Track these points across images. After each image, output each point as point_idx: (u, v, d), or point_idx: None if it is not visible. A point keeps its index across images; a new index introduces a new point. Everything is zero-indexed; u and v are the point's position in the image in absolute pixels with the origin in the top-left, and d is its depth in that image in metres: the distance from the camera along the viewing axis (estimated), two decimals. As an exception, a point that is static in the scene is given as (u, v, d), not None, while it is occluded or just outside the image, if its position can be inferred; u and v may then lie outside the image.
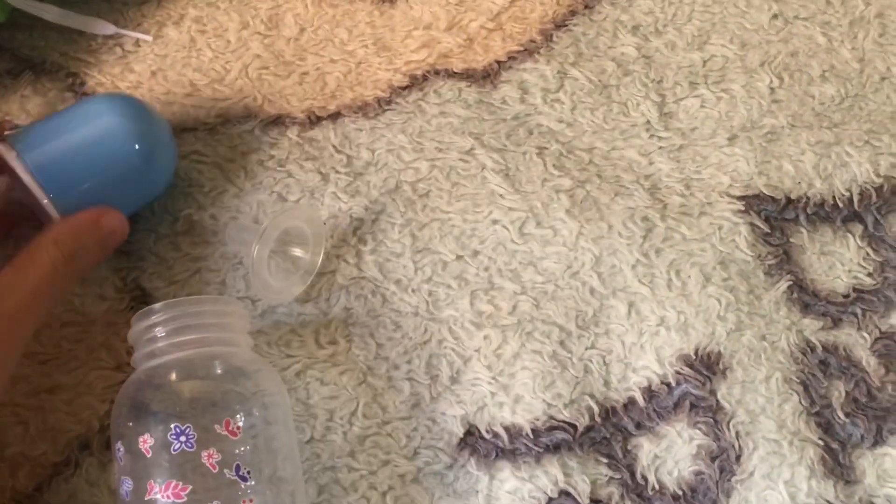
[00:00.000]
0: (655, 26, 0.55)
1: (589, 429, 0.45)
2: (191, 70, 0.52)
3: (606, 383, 0.46)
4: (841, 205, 0.50)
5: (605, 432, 0.45)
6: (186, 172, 0.49)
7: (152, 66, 0.52)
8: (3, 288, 0.38)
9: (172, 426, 0.37)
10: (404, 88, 0.53)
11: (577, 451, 0.44)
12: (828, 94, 0.54)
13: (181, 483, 0.36)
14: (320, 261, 0.47)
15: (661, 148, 0.51)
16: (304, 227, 0.46)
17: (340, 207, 0.49)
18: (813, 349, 0.47)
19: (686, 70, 0.54)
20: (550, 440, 0.44)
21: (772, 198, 0.50)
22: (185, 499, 0.36)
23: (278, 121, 0.51)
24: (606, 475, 0.44)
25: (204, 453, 0.37)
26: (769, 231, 0.49)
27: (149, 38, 0.53)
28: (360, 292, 0.47)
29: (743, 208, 0.49)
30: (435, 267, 0.48)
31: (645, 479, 0.44)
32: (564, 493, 0.43)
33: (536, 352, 0.46)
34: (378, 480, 0.44)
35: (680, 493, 0.44)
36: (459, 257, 0.48)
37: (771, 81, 0.54)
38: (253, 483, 0.37)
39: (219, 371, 0.39)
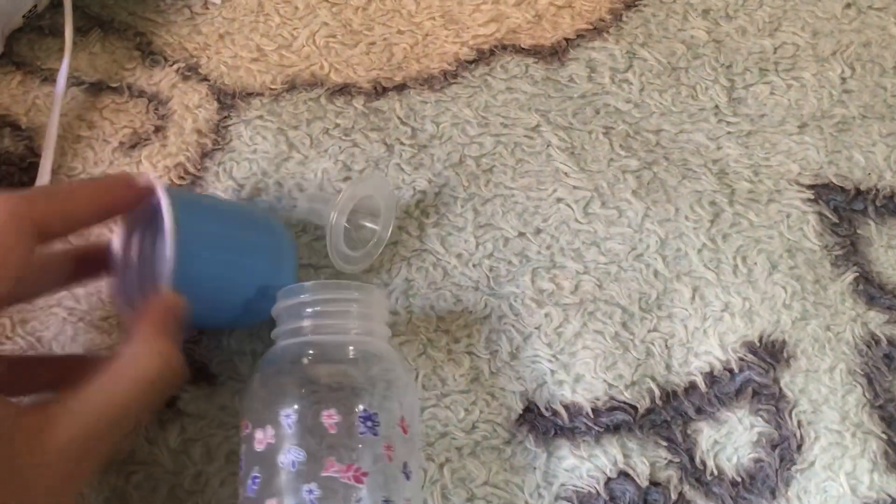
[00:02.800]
0: (726, 11, 0.55)
1: (649, 411, 0.44)
2: (258, 35, 0.52)
3: (668, 367, 0.45)
4: (911, 198, 0.49)
5: (666, 415, 0.44)
6: (251, 138, 0.49)
7: (220, 30, 0.52)
8: (91, 398, 0.32)
9: (360, 407, 0.36)
10: (471, 62, 0.52)
11: (637, 433, 0.44)
12: (900, 86, 0.53)
13: (363, 468, 0.35)
14: (390, 232, 0.47)
15: (729, 133, 0.51)
16: (376, 198, 0.46)
17: (404, 179, 0.49)
18: (878, 342, 0.46)
19: (756, 56, 0.53)
20: (610, 420, 0.44)
21: (841, 188, 0.49)
22: (364, 484, 0.35)
23: (344, 90, 0.51)
24: (665, 458, 0.44)
25: (384, 444, 0.36)
26: (837, 221, 0.49)
27: (218, 1, 0.53)
28: (421, 264, 0.47)
29: (812, 197, 0.49)
30: (496, 243, 0.48)
31: (704, 463, 0.44)
32: (623, 474, 0.43)
33: (598, 332, 0.46)
34: (435, 452, 0.44)
35: (738, 479, 0.44)
36: (521, 234, 0.48)
37: (842, 71, 0.53)
38: (410, 483, 0.36)
39: (391, 365, 0.39)
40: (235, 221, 0.41)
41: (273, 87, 0.51)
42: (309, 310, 0.38)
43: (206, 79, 0.51)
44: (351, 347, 0.38)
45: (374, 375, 0.38)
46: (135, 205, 0.37)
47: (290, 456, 0.35)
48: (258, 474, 0.36)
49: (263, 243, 0.41)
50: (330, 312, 0.38)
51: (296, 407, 0.36)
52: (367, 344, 0.39)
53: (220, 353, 0.45)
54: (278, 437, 0.36)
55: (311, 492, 0.34)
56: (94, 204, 0.36)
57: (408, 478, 0.36)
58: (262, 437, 0.36)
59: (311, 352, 0.38)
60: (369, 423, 0.36)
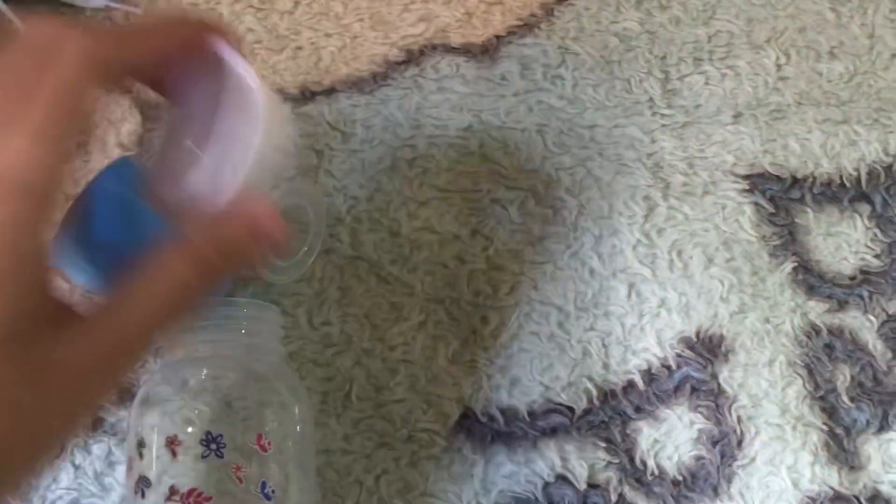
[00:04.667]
0: (660, 1, 0.54)
1: (587, 412, 0.44)
2: (182, 44, 0.51)
3: (605, 366, 0.45)
4: (848, 184, 0.49)
5: (604, 416, 0.44)
6: (177, 149, 0.48)
7: (143, 40, 0.51)
8: (110, 319, 0.27)
9: (204, 432, 0.35)
10: (401, 63, 0.51)
11: (575, 435, 0.43)
12: (836, 71, 0.52)
13: (205, 492, 0.34)
14: (321, 240, 0.46)
15: (664, 126, 0.50)
16: (306, 206, 0.45)
17: (335, 185, 0.48)
18: (818, 332, 0.46)
19: (691, 46, 0.52)
20: (547, 424, 0.43)
21: (777, 177, 0.49)
22: None
23: (272, 96, 0.50)
24: (605, 460, 0.43)
25: (233, 465, 0.35)
26: (774, 211, 0.48)
27: (139, 10, 0.52)
28: (355, 272, 0.46)
29: (748, 188, 0.48)
30: (432, 247, 0.47)
31: (644, 463, 0.43)
32: (561, 478, 0.42)
33: (534, 333, 0.45)
34: (372, 464, 0.43)
35: (680, 478, 0.43)
36: (457, 237, 0.47)
37: (778, 58, 0.52)
38: (274, 503, 0.36)
39: (253, 380, 0.38)
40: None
41: (198, 96, 0.50)
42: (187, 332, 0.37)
43: (128, 91, 0.50)
44: (205, 370, 0.37)
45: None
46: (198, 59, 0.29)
47: (140, 484, 0.35)
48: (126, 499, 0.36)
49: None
50: (208, 332, 0.37)
51: (143, 434, 0.36)
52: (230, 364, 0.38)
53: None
54: (133, 465, 0.36)
55: None
56: (162, 54, 0.28)
57: (268, 498, 0.35)
58: (130, 465, 0.36)
59: (165, 376, 0.37)
60: (213, 446, 0.35)
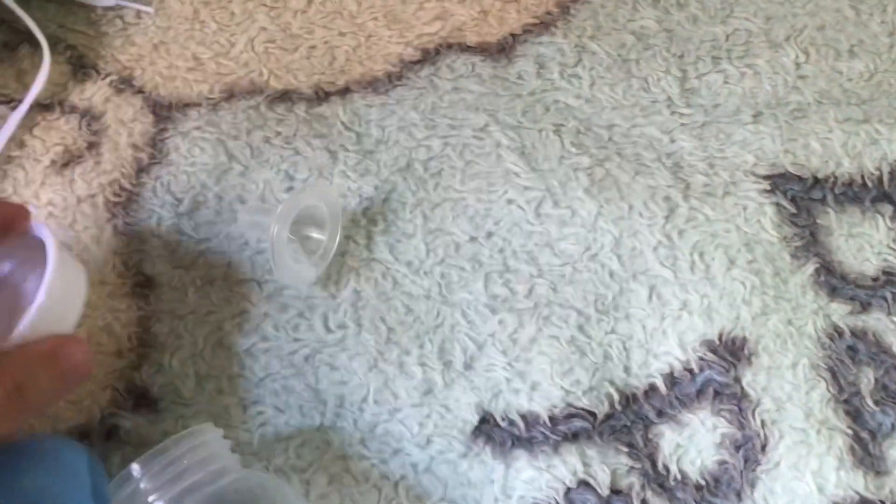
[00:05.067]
0: (677, -1, 0.53)
1: (609, 417, 0.43)
2: (194, 43, 0.51)
3: (627, 369, 0.44)
4: (870, 184, 0.48)
5: (626, 420, 0.43)
6: (189, 150, 0.48)
7: (154, 39, 0.51)
8: None
9: None
10: (416, 63, 0.51)
11: (597, 440, 0.43)
12: (856, 69, 0.51)
13: None
14: (337, 242, 0.45)
15: (683, 125, 0.49)
16: (321, 207, 0.44)
17: (350, 187, 0.47)
18: (841, 334, 0.45)
19: (708, 44, 0.52)
20: (569, 428, 0.43)
21: (798, 177, 0.48)
22: None
23: (285, 96, 0.49)
24: (627, 465, 0.42)
25: None
26: (796, 212, 0.47)
27: (150, 9, 0.51)
28: (370, 275, 0.45)
29: (769, 188, 0.48)
30: (448, 248, 0.46)
31: (667, 468, 0.43)
32: (583, 484, 0.42)
33: (554, 337, 0.44)
34: (390, 469, 0.42)
35: (703, 483, 0.42)
36: (473, 238, 0.46)
37: (797, 56, 0.51)
38: None
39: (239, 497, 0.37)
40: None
41: (211, 96, 0.49)
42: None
43: (140, 91, 0.49)
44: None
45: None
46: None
47: None
48: None
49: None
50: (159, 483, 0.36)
51: None
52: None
53: (162, 376, 0.43)
54: None
55: None
56: None
57: None
58: None
59: None
60: None
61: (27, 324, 0.34)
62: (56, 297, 0.34)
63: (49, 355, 0.34)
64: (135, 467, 0.36)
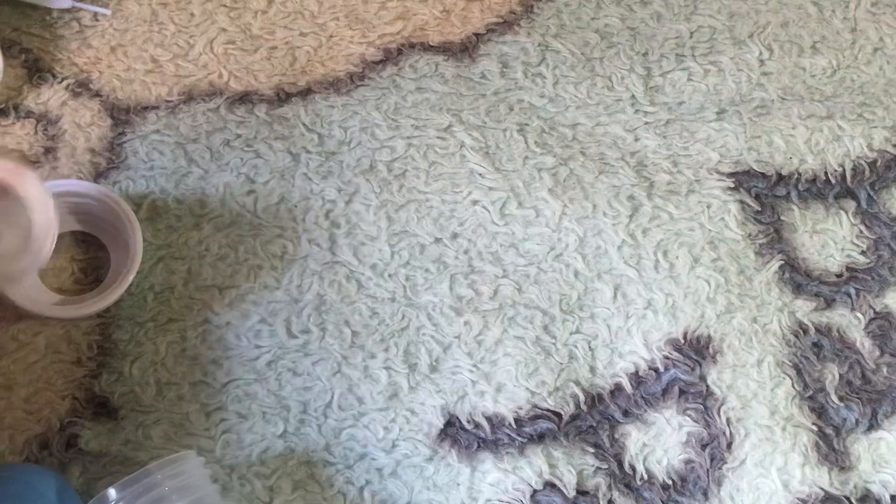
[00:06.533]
0: (640, -4, 0.53)
1: (574, 417, 0.43)
2: (152, 45, 0.50)
3: (592, 369, 0.44)
4: (833, 181, 0.48)
5: (592, 420, 0.43)
6: (148, 154, 0.47)
7: (111, 42, 0.50)
8: None
9: None
10: (378, 63, 0.50)
11: (563, 441, 0.42)
12: (819, 65, 0.52)
13: None
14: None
15: (647, 123, 0.49)
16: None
17: (312, 189, 0.47)
18: (805, 331, 0.45)
19: (672, 42, 0.52)
20: (534, 430, 0.42)
21: (762, 174, 0.48)
22: None
23: (245, 98, 0.49)
24: (593, 465, 0.42)
25: None
26: (760, 209, 0.47)
27: (108, 11, 0.50)
28: (333, 278, 0.45)
29: (733, 185, 0.48)
30: (412, 250, 0.46)
31: (633, 468, 0.42)
32: (550, 485, 0.41)
33: (519, 338, 0.44)
34: (355, 475, 0.42)
35: (669, 482, 0.42)
36: (438, 240, 0.46)
37: (760, 53, 0.51)
38: None
39: None
40: None
41: (169, 99, 0.48)
42: None
43: (98, 94, 0.48)
44: None
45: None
46: None
47: None
48: None
49: None
50: None
51: None
52: None
53: (121, 384, 0.42)
54: None
55: None
56: None
57: None
58: None
59: None
60: None
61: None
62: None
63: None
64: (111, 492, 0.36)
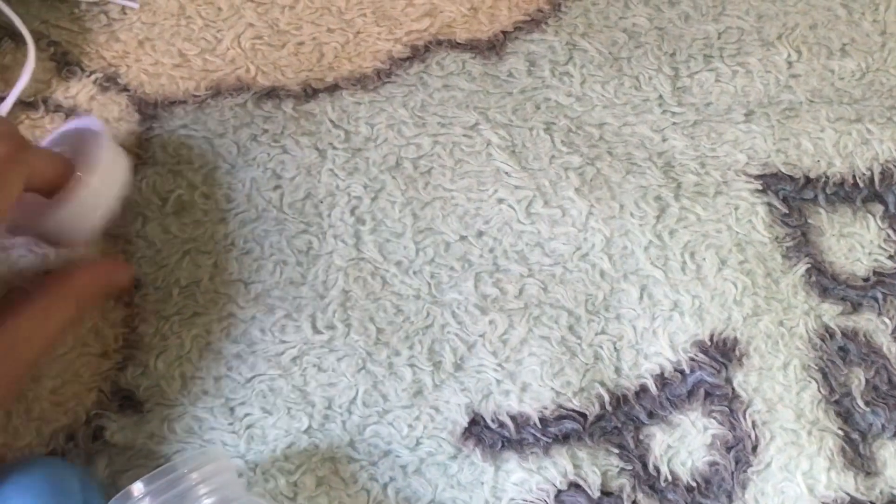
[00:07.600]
0: (668, -4, 0.53)
1: (599, 418, 0.43)
2: (180, 39, 0.50)
3: (617, 370, 0.44)
4: (861, 184, 0.48)
5: (617, 421, 0.43)
6: (175, 149, 0.47)
7: (139, 36, 0.50)
8: (19, 341, 0.37)
9: None
10: (405, 60, 0.50)
11: (587, 442, 0.42)
12: (848, 68, 0.51)
13: None
14: None
15: (674, 124, 0.49)
16: None
17: (338, 185, 0.47)
18: (832, 335, 0.45)
19: (700, 42, 0.51)
20: (559, 430, 0.42)
21: (790, 177, 0.48)
22: None
23: (272, 93, 0.49)
24: (618, 466, 0.42)
25: None
26: (787, 212, 0.47)
27: (136, 5, 0.50)
28: (358, 274, 0.45)
29: (760, 188, 0.47)
30: (437, 248, 0.46)
31: (657, 470, 0.42)
32: (574, 486, 0.41)
33: (544, 337, 0.44)
34: (379, 472, 0.42)
35: (694, 484, 0.42)
36: (463, 238, 0.46)
37: (789, 55, 0.51)
38: None
39: None
40: None
41: (197, 93, 0.48)
42: None
43: (125, 89, 0.48)
44: None
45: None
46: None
47: None
48: None
49: None
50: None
51: None
52: None
53: (147, 378, 0.42)
54: None
55: None
56: (53, 178, 0.39)
57: None
58: None
59: None
60: None
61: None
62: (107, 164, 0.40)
63: (108, 276, 0.43)
64: (138, 486, 0.36)
